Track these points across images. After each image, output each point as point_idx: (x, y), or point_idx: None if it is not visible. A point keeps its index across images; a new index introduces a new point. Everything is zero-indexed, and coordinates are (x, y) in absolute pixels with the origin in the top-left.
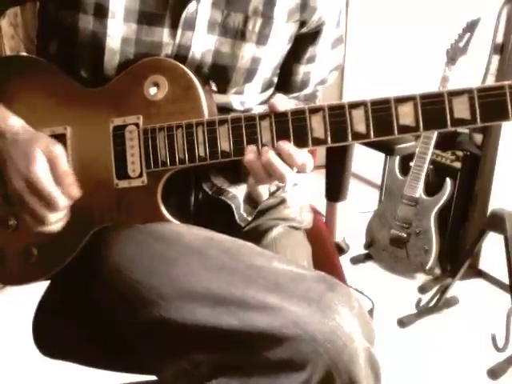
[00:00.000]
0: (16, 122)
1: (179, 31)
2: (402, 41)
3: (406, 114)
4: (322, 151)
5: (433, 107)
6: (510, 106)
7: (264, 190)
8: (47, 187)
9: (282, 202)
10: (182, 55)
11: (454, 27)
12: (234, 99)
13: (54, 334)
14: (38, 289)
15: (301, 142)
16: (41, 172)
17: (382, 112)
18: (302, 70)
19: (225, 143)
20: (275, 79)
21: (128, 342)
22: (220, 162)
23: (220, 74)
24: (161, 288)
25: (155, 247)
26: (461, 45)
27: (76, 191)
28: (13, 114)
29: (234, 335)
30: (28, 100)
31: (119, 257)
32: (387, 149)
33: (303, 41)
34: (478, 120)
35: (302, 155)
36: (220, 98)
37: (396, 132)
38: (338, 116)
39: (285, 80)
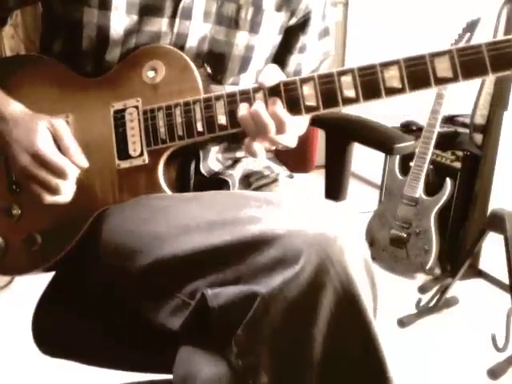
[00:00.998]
0: (16, 107)
1: (177, 20)
2: (402, 41)
3: (392, 77)
4: (321, 151)
5: (416, 68)
6: (488, 62)
7: (259, 148)
8: (53, 156)
9: (274, 181)
10: (179, 44)
11: (453, 27)
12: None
13: (54, 332)
14: (39, 288)
15: (294, 110)
16: (44, 143)
17: (369, 76)
18: (294, 60)
19: (221, 117)
20: None
21: (127, 305)
22: (217, 137)
23: (216, 63)
24: (154, 232)
25: (151, 203)
26: (461, 45)
27: (83, 160)
28: (13, 100)
29: (228, 249)
30: (31, 93)
31: (113, 233)
32: (386, 148)
33: (294, 31)
34: (460, 77)
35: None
36: (216, 89)
37: (384, 94)
38: (327, 83)
39: None
